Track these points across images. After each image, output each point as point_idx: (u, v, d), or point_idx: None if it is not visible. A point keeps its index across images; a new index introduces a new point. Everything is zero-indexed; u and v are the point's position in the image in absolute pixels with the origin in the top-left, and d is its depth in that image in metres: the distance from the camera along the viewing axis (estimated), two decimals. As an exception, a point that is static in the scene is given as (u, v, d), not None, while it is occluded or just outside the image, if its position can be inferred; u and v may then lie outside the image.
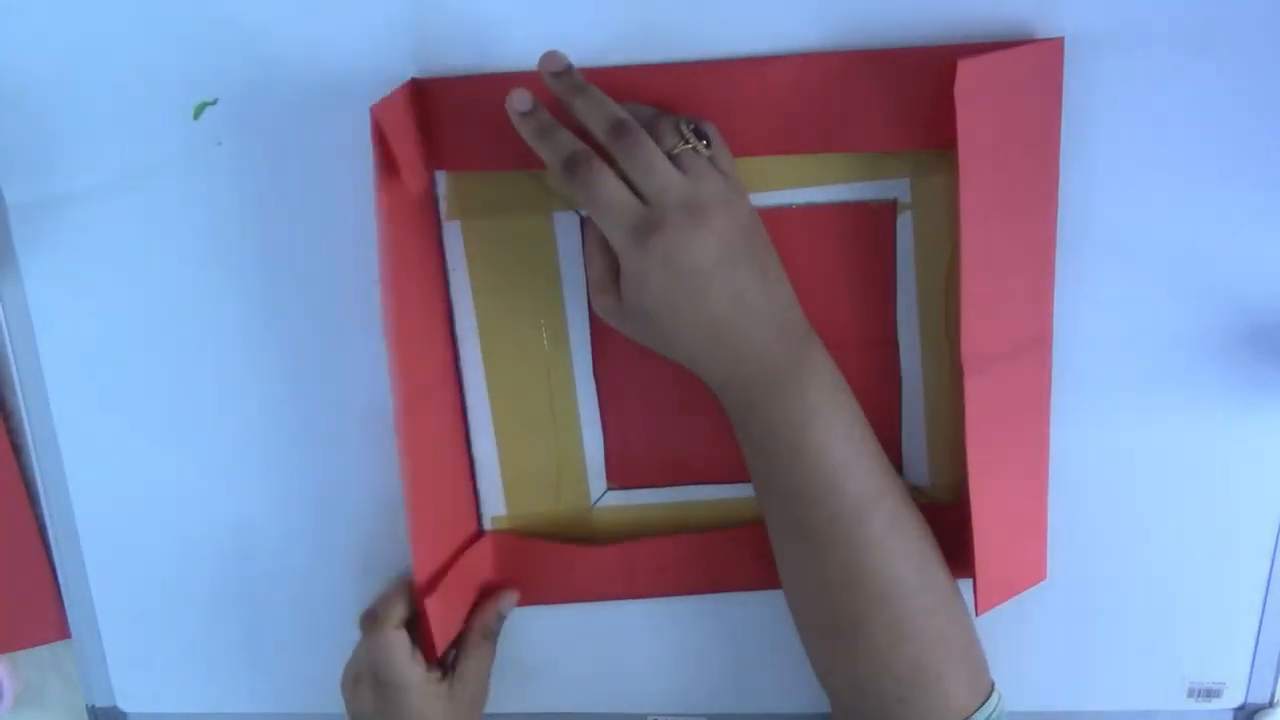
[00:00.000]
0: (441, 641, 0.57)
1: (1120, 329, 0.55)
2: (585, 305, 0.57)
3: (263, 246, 0.57)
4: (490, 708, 0.60)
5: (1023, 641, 0.61)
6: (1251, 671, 0.60)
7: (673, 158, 0.48)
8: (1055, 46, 0.50)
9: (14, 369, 0.61)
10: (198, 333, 0.59)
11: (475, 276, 0.57)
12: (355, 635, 0.57)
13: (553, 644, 0.63)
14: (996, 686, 0.54)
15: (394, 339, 0.52)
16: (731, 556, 0.60)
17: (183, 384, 0.60)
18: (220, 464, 0.61)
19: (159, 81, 0.55)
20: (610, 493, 0.60)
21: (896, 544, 0.51)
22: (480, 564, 0.61)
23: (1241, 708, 0.61)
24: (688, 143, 0.48)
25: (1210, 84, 0.51)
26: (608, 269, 0.50)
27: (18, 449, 0.62)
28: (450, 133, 0.54)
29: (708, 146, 0.49)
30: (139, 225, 0.58)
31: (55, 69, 0.55)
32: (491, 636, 0.60)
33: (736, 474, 0.59)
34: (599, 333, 0.58)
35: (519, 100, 0.49)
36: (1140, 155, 0.53)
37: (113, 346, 0.60)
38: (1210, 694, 0.61)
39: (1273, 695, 0.61)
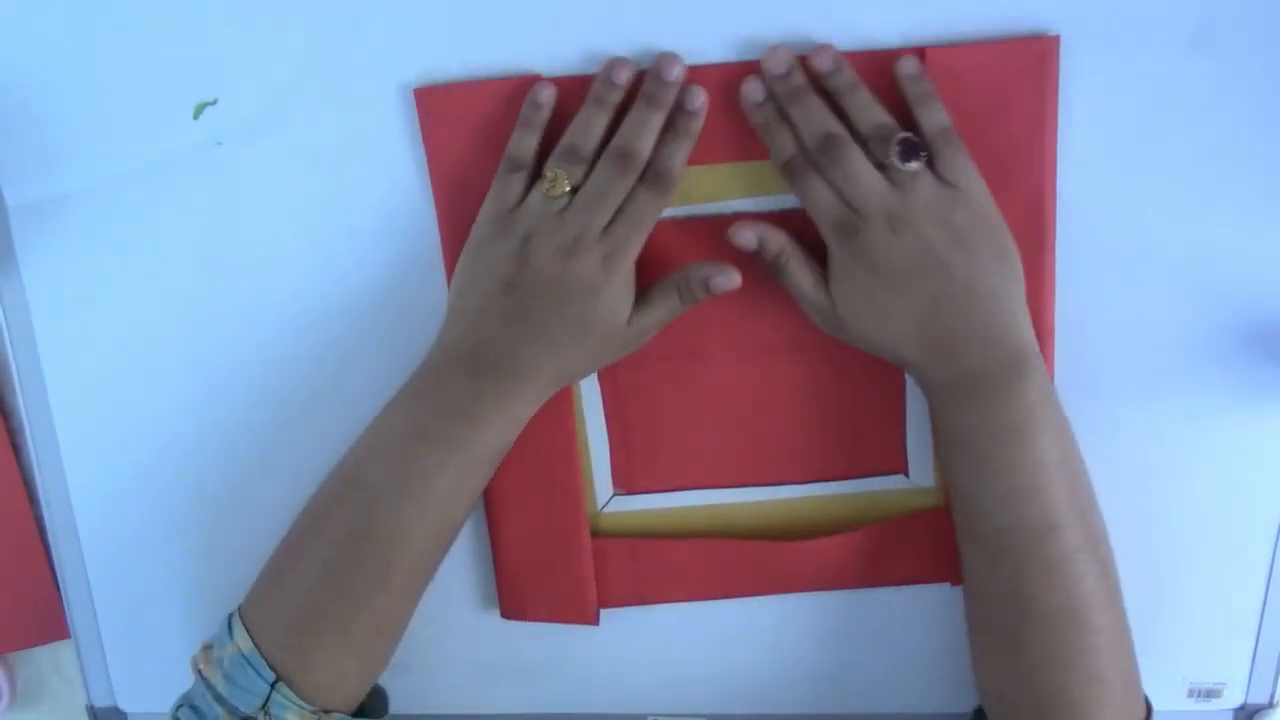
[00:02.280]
0: None
1: (1119, 329, 0.55)
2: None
3: (262, 246, 0.57)
4: (490, 708, 0.60)
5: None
6: (1251, 671, 0.61)
7: (885, 167, 0.50)
8: (1049, 44, 0.51)
9: (14, 369, 0.61)
10: (198, 332, 0.59)
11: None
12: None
13: (553, 644, 0.63)
14: None
15: None
16: (736, 563, 0.60)
17: (183, 384, 0.60)
18: (221, 464, 0.61)
19: (159, 81, 0.55)
20: (617, 497, 0.60)
21: (1067, 574, 0.51)
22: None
23: (1241, 708, 0.62)
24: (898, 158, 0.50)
25: (1208, 82, 0.51)
26: (815, 284, 0.52)
27: (18, 449, 0.62)
28: (448, 139, 0.54)
29: (925, 161, 0.50)
30: (139, 225, 0.57)
31: (55, 69, 0.55)
32: (685, 295, 0.54)
33: (742, 478, 0.59)
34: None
35: (752, 90, 0.51)
36: (1138, 154, 0.53)
37: (113, 346, 0.60)
38: (1210, 694, 0.61)
39: (1273, 695, 0.61)
